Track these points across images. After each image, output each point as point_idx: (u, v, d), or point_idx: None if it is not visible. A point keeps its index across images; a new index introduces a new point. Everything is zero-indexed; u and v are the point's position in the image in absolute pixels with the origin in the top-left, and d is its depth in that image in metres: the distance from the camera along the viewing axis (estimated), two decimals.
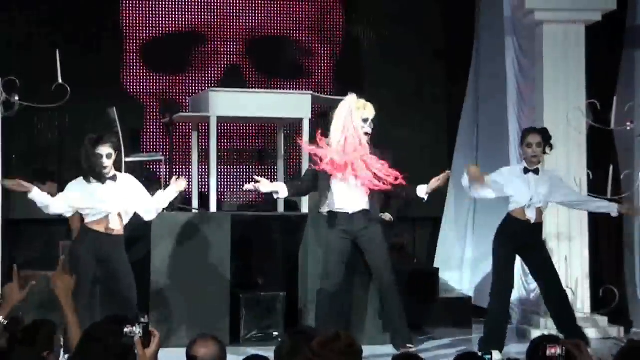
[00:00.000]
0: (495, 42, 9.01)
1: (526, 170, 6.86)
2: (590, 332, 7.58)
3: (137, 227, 7.65)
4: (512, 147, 8.57)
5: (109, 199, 6.51)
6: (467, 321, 8.19)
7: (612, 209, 6.96)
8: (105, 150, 6.45)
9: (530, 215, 6.82)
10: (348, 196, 6.50)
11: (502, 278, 6.83)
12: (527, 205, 6.81)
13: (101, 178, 6.48)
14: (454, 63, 9.91)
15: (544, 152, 6.89)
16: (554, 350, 3.40)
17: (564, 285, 7.39)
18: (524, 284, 8.20)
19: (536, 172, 6.86)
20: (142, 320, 3.65)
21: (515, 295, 8.00)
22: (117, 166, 6.61)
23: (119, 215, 6.55)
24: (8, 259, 7.21)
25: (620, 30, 8.46)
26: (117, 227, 6.52)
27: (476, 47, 9.57)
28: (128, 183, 6.67)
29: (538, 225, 6.93)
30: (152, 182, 8.95)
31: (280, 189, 6.62)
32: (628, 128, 7.86)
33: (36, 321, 4.68)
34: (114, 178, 6.56)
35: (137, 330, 3.54)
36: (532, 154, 6.82)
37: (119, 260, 6.54)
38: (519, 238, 6.84)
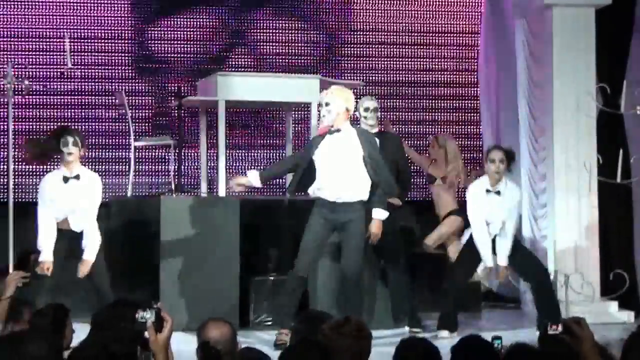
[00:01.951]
0: (504, 25, 9.00)
1: (488, 191, 7.01)
2: (600, 317, 7.64)
3: (147, 212, 7.72)
4: (522, 130, 8.58)
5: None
6: (476, 305, 8.24)
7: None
8: (70, 138, 6.47)
9: (494, 232, 7.01)
10: (336, 185, 6.44)
11: (464, 268, 7.21)
12: (491, 232, 7.03)
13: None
14: (461, 47, 9.90)
15: (508, 169, 7.03)
16: (555, 327, 3.48)
17: (574, 269, 7.43)
18: None
19: (498, 193, 7.00)
20: (154, 305, 3.62)
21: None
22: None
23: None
24: (21, 243, 7.24)
25: (630, 14, 8.45)
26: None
27: (486, 30, 9.55)
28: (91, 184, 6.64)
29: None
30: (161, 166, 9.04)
31: (253, 178, 6.61)
32: (638, 112, 7.87)
33: (50, 305, 4.77)
34: (77, 177, 6.57)
35: (149, 315, 3.53)
36: (495, 170, 6.94)
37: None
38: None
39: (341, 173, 6.42)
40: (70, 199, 6.51)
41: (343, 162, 6.42)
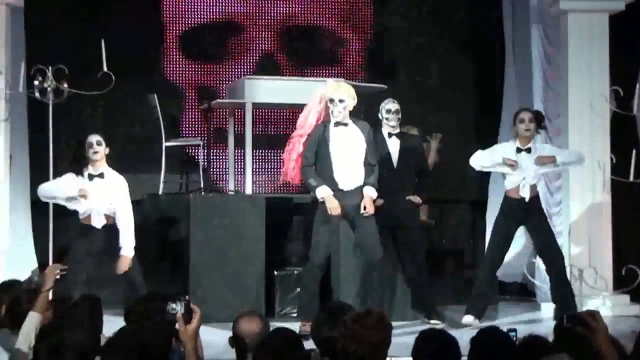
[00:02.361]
0: (521, 30, 9.20)
1: (519, 150, 7.18)
2: (612, 310, 7.85)
3: (177, 209, 7.99)
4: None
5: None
6: (492, 298, 8.39)
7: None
8: (94, 138, 6.73)
9: (524, 194, 7.15)
10: (350, 173, 6.75)
11: (492, 250, 7.30)
12: (522, 185, 7.13)
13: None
14: (481, 50, 10.11)
15: (538, 129, 7.20)
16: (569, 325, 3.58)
17: (587, 264, 7.62)
18: None
19: (528, 150, 7.18)
20: (183, 297, 3.76)
21: (540, 274, 8.27)
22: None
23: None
24: (60, 240, 7.53)
25: None
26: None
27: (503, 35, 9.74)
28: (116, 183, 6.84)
29: (533, 201, 7.23)
30: (191, 165, 9.31)
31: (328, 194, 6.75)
32: None
33: (84, 296, 5.04)
34: (101, 175, 6.80)
35: (179, 307, 3.67)
36: (525, 128, 7.11)
37: None
38: (516, 215, 7.21)
39: (354, 162, 6.78)
40: (94, 197, 6.72)
41: (354, 153, 6.78)
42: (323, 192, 6.69)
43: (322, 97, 6.82)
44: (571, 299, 7.21)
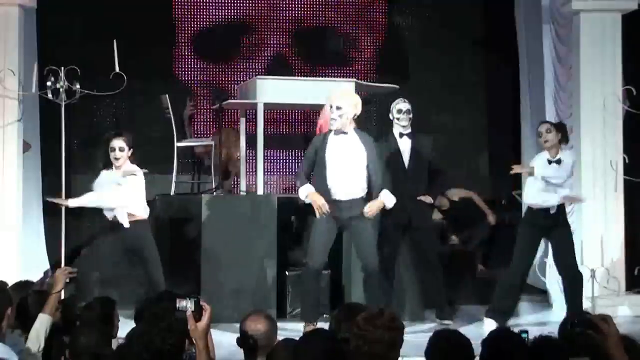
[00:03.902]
0: (533, 30, 9.19)
1: (549, 162, 7.13)
2: (625, 310, 7.87)
3: (189, 209, 8.01)
4: None
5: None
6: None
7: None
8: (117, 143, 6.75)
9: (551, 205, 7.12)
10: (346, 183, 6.66)
11: (518, 259, 7.20)
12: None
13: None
14: (494, 50, 10.11)
15: (560, 141, 7.15)
16: (578, 329, 3.66)
17: (600, 264, 7.60)
18: None
19: (558, 162, 7.12)
20: (194, 295, 3.79)
21: (552, 274, 8.26)
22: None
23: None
24: (71, 242, 7.58)
25: None
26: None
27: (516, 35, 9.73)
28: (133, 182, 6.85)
29: (559, 210, 7.18)
30: (203, 166, 9.34)
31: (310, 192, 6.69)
32: None
33: (97, 298, 5.06)
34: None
35: (189, 304, 3.69)
36: (544, 140, 7.09)
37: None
38: (541, 223, 7.15)
39: (350, 172, 6.65)
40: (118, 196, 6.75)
41: (351, 162, 6.65)
42: (305, 191, 6.61)
43: (328, 103, 6.77)
44: (579, 305, 7.19)
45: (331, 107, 6.64)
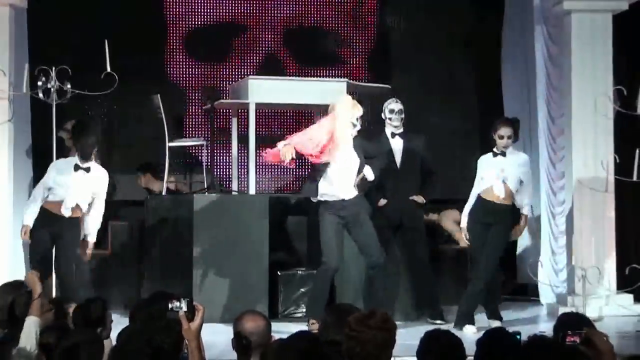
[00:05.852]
0: (524, 30, 9.21)
1: (495, 154, 7.26)
2: (616, 310, 7.89)
3: (181, 209, 8.01)
4: (541, 133, 8.77)
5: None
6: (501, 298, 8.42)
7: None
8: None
9: (499, 193, 7.17)
10: (340, 183, 6.83)
11: (476, 255, 7.33)
12: (496, 183, 7.18)
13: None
14: (484, 51, 10.12)
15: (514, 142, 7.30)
16: (573, 339, 3.62)
17: (591, 264, 7.64)
18: (552, 263, 8.44)
19: (504, 154, 7.22)
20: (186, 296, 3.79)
21: (544, 274, 8.29)
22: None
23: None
24: None
25: None
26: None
27: (505, 35, 9.75)
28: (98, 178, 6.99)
29: (505, 205, 7.25)
30: (194, 166, 9.33)
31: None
32: None
33: (89, 299, 5.04)
34: (87, 169, 6.90)
35: (182, 305, 3.70)
36: (504, 145, 7.20)
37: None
38: (486, 216, 7.22)
39: (353, 173, 6.85)
40: (78, 188, 6.89)
41: (353, 165, 6.87)
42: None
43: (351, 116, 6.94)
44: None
45: (357, 119, 6.82)
